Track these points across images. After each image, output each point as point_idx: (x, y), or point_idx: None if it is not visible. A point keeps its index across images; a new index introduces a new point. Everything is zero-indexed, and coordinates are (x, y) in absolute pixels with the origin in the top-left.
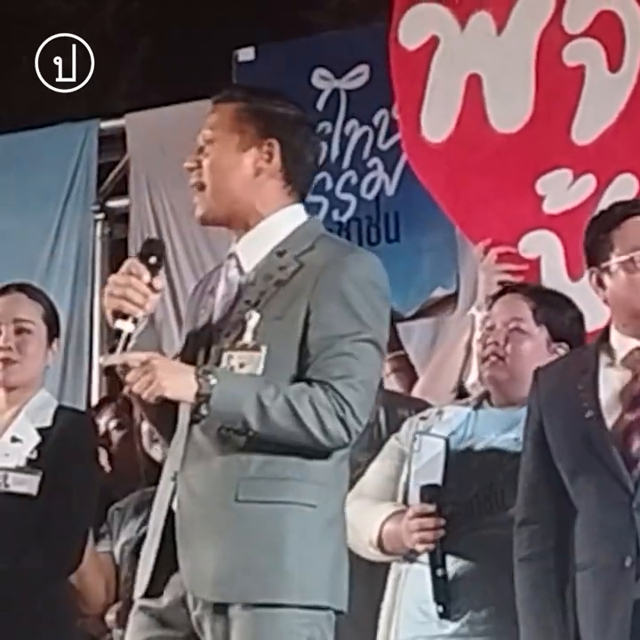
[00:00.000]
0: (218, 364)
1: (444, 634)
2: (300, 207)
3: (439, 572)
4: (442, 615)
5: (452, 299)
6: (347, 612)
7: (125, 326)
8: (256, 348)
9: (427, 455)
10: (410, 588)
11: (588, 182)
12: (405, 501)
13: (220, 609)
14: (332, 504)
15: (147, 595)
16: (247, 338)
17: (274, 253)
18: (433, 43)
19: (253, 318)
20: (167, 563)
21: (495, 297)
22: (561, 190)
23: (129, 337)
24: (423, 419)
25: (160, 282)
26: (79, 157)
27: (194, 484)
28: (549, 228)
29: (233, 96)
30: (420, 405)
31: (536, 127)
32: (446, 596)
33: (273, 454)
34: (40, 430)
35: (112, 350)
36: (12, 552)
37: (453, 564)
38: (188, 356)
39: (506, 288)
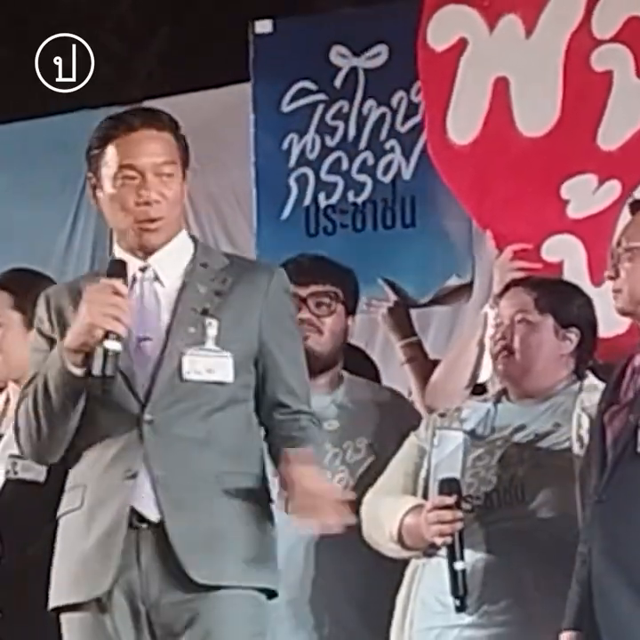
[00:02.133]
0: (180, 372)
1: (461, 624)
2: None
3: (457, 565)
4: (459, 609)
5: (466, 288)
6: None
7: (115, 346)
8: (223, 355)
9: (446, 449)
10: (427, 579)
11: (613, 188)
12: (425, 497)
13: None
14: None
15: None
16: (210, 344)
17: (198, 265)
18: (461, 44)
19: (213, 325)
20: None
21: (501, 294)
22: (585, 195)
23: (117, 356)
24: (442, 415)
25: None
26: None
27: (173, 480)
28: (573, 232)
29: (169, 123)
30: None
31: (562, 131)
32: (464, 589)
33: (237, 441)
34: None
35: (102, 371)
36: (20, 539)
37: (472, 556)
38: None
39: (511, 283)
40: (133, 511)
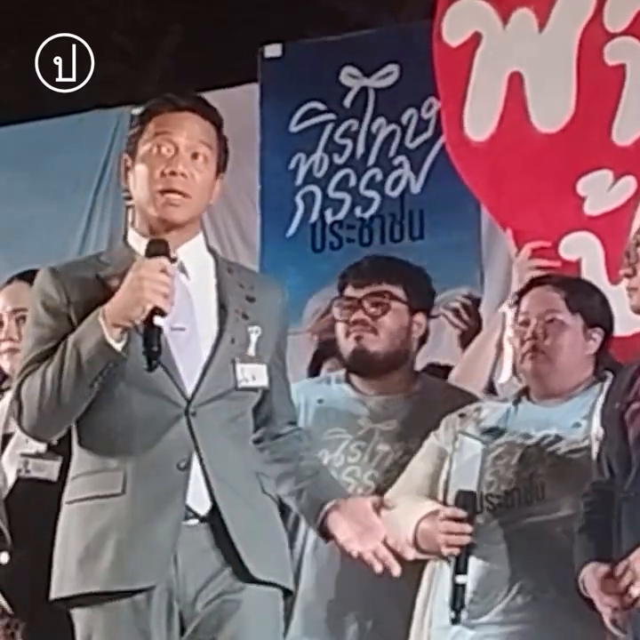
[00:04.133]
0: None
1: (480, 622)
2: None
3: (459, 579)
4: (454, 621)
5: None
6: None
7: (162, 323)
8: (262, 361)
9: (465, 456)
10: (444, 577)
11: (628, 184)
12: (445, 500)
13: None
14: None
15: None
16: (252, 350)
17: (224, 269)
18: (475, 39)
19: (257, 333)
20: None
21: (522, 292)
22: (601, 191)
23: (160, 331)
24: (462, 416)
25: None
26: (111, 144)
27: (224, 474)
28: (590, 229)
29: (214, 116)
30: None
31: (577, 127)
32: (461, 603)
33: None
34: None
35: (151, 347)
36: (34, 537)
37: (492, 553)
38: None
39: (532, 282)
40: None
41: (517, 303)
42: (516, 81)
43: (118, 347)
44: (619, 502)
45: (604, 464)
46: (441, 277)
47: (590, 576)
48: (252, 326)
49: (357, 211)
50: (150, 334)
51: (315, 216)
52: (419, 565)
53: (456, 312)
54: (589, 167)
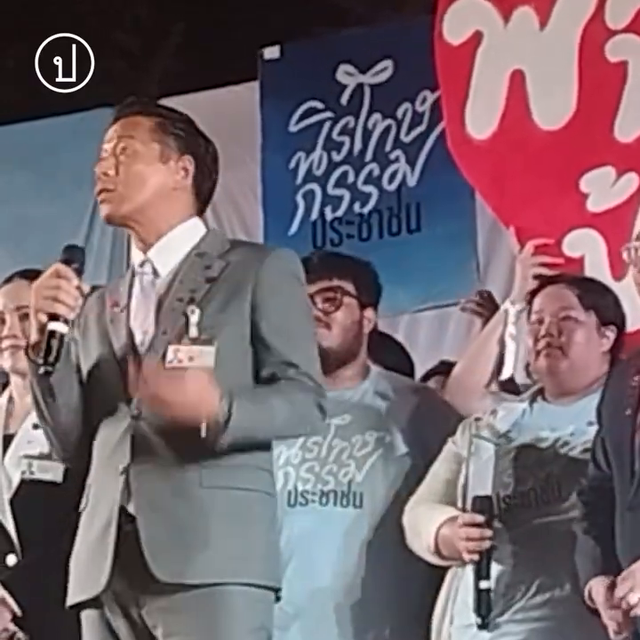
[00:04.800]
0: (163, 362)
1: (499, 621)
2: (200, 220)
3: (482, 584)
4: (480, 627)
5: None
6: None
7: (59, 327)
8: (207, 342)
9: (481, 459)
10: (465, 579)
11: (631, 181)
12: (464, 505)
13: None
14: (275, 492)
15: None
16: (193, 332)
17: (193, 255)
18: (477, 38)
19: (195, 313)
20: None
21: (535, 292)
22: (604, 188)
23: (62, 338)
24: (478, 419)
25: (85, 285)
26: None
27: (153, 476)
28: (593, 226)
29: (146, 110)
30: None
31: (579, 124)
32: (487, 608)
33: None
34: None
35: (47, 352)
36: (40, 540)
37: (509, 553)
38: (110, 369)
39: (545, 281)
40: (124, 510)
41: (530, 302)
42: (517, 79)
43: (39, 360)
44: (622, 512)
45: (601, 458)
46: (439, 267)
47: (596, 588)
48: (194, 307)
49: (356, 206)
50: (47, 340)
51: (315, 214)
52: (437, 572)
53: (478, 303)
54: (592, 164)
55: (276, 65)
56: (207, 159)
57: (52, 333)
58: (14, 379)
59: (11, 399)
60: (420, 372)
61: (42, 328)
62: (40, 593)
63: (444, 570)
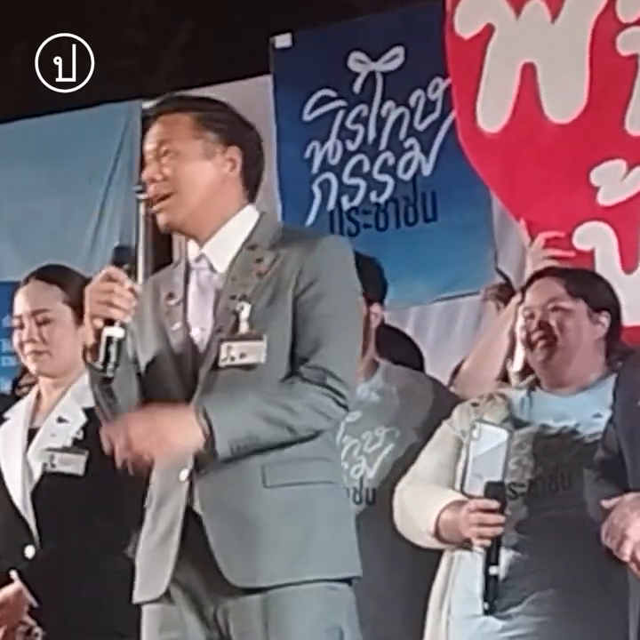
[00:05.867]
0: (216, 360)
1: (509, 613)
2: (253, 206)
3: (492, 570)
4: (487, 612)
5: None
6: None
7: (115, 333)
8: (257, 338)
9: (487, 445)
10: (466, 567)
11: None
12: (462, 489)
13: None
14: (339, 479)
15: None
16: (244, 328)
17: (245, 248)
18: (488, 31)
19: (245, 309)
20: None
21: (525, 287)
22: (615, 181)
23: (120, 342)
24: (474, 405)
25: (138, 286)
26: (122, 138)
27: (217, 477)
28: (603, 219)
29: (184, 106)
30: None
31: (590, 117)
32: (495, 594)
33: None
34: (87, 410)
35: (106, 358)
36: (60, 532)
37: (521, 543)
38: (168, 366)
39: (533, 275)
40: (190, 510)
41: (523, 297)
42: (528, 72)
43: (97, 365)
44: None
45: (613, 445)
46: (455, 257)
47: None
48: (244, 303)
49: (372, 196)
50: (105, 346)
51: (332, 204)
52: (427, 575)
53: (499, 289)
54: (602, 157)
55: (287, 53)
56: (252, 145)
57: (109, 339)
58: (42, 378)
59: (39, 395)
60: (429, 364)
61: (97, 333)
62: (57, 586)
63: (436, 565)
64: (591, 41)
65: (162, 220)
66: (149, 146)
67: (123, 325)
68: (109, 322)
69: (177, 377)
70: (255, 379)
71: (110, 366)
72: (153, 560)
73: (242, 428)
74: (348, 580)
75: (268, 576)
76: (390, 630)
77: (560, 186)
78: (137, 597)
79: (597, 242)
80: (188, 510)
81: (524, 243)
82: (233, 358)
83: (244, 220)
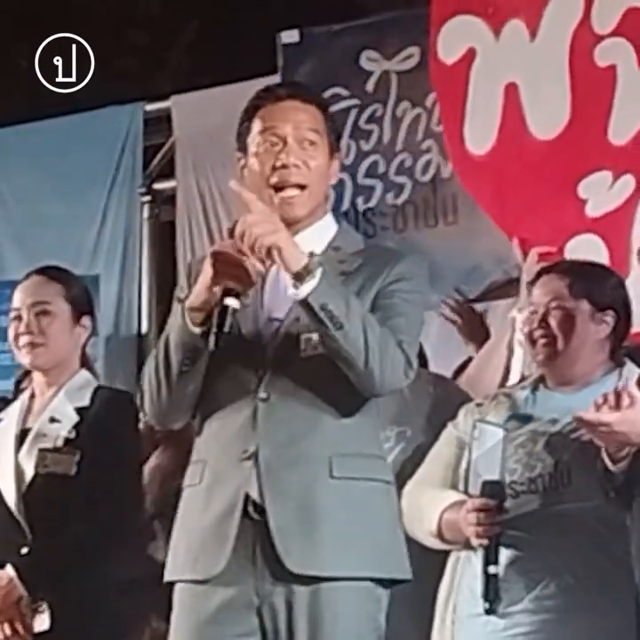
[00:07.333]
0: (298, 352)
1: (512, 611)
2: (331, 214)
3: (491, 569)
4: (488, 611)
5: (515, 283)
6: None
7: (234, 303)
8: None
9: (486, 444)
10: (470, 567)
11: (628, 182)
12: (466, 489)
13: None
14: (393, 480)
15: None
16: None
17: (330, 248)
18: (470, 55)
19: None
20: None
21: (533, 282)
22: (602, 192)
23: (234, 312)
24: (479, 405)
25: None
26: (125, 140)
27: (281, 464)
28: (593, 231)
29: (317, 98)
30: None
31: (574, 131)
32: (495, 593)
33: (351, 421)
34: (78, 410)
35: (220, 326)
36: (52, 531)
37: (521, 541)
38: (239, 351)
39: (542, 270)
40: (249, 497)
41: (530, 294)
42: (511, 91)
43: (197, 330)
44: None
45: None
46: (477, 262)
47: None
48: None
49: (389, 197)
50: (219, 314)
51: (346, 204)
52: (434, 575)
53: (452, 308)
54: (589, 169)
55: (295, 49)
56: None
57: (225, 308)
58: (36, 375)
59: (32, 395)
60: (432, 363)
61: (213, 299)
62: (48, 581)
63: (443, 564)
64: (570, 55)
65: (291, 212)
66: (292, 130)
67: (238, 296)
68: (227, 292)
69: (250, 360)
70: (332, 374)
71: (222, 334)
72: (208, 539)
73: (341, 297)
74: (392, 583)
75: (326, 565)
76: (399, 628)
77: (549, 201)
78: (181, 575)
79: (588, 253)
80: (247, 495)
81: (519, 260)
82: (314, 348)
83: (330, 223)
